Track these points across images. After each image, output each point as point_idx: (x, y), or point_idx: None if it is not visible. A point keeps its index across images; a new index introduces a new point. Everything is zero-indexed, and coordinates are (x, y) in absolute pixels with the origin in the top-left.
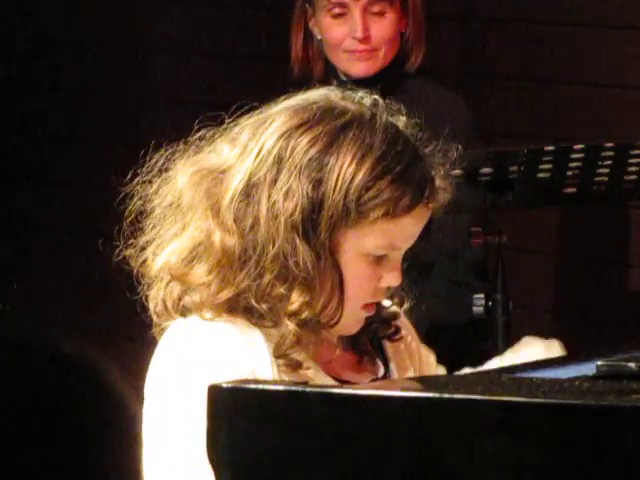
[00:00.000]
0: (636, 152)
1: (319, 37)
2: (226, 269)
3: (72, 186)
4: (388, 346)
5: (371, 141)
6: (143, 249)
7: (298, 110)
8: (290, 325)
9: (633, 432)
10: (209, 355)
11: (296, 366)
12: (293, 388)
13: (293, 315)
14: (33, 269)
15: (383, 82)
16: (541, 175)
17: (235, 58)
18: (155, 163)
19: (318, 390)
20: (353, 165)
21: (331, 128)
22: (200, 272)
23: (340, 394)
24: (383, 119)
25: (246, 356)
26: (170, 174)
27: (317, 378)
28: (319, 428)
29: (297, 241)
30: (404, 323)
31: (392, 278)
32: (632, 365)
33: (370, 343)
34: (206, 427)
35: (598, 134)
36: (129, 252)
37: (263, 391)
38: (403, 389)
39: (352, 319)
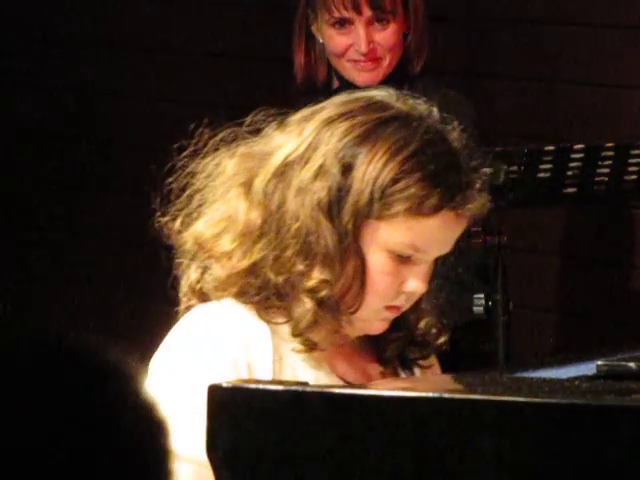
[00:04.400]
0: (636, 152)
1: (321, 41)
2: (247, 239)
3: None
4: (417, 372)
5: (409, 138)
6: (175, 219)
7: (346, 102)
8: (308, 302)
9: (633, 432)
10: (208, 347)
11: (312, 347)
12: (293, 388)
13: (311, 291)
14: (36, 269)
15: (387, 84)
16: (541, 175)
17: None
18: (207, 140)
19: (318, 390)
20: (385, 157)
21: (371, 119)
22: (224, 242)
23: (340, 394)
24: (428, 123)
25: (245, 350)
26: (218, 154)
27: (321, 376)
28: (319, 428)
29: (320, 219)
30: (432, 359)
31: (416, 284)
32: (632, 365)
33: (401, 365)
34: (206, 427)
35: (598, 134)
36: (165, 219)
37: (263, 391)
38: (403, 389)
39: (374, 316)
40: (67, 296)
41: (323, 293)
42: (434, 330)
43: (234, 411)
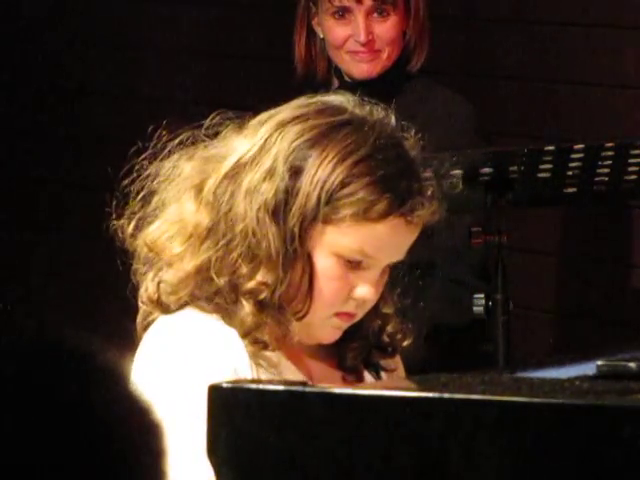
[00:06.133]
0: (636, 152)
1: (322, 36)
2: (195, 240)
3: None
4: (383, 375)
5: (360, 142)
6: (130, 222)
7: (302, 105)
8: (246, 305)
9: (633, 432)
10: (193, 359)
11: (263, 346)
12: (293, 388)
13: (249, 294)
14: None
15: (386, 83)
16: (541, 175)
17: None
18: (164, 145)
19: (318, 390)
20: (335, 160)
21: (323, 123)
22: (174, 245)
23: (340, 394)
24: (383, 129)
25: (228, 357)
26: (176, 157)
27: (285, 369)
28: (319, 428)
29: (266, 221)
30: (397, 360)
31: (365, 290)
32: (632, 365)
33: (366, 368)
34: (206, 427)
35: (598, 134)
36: (119, 223)
37: (263, 391)
38: (403, 389)
39: (325, 324)
40: (65, 297)
41: (262, 296)
42: (399, 335)
43: (234, 411)
